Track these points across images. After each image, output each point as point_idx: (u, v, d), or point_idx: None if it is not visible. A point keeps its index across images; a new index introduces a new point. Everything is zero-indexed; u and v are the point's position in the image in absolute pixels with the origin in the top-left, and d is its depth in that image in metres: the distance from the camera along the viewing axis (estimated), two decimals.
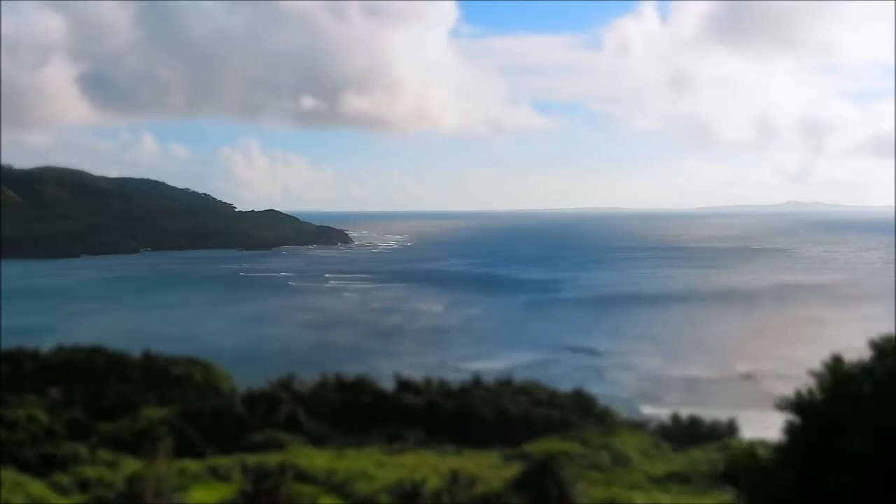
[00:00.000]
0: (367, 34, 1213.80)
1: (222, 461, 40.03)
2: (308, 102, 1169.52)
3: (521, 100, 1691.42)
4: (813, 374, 6.73)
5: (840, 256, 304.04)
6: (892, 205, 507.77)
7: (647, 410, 73.57)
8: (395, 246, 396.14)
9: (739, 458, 6.81)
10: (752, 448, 6.84)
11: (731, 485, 6.84)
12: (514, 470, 33.94)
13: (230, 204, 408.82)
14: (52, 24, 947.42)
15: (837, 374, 6.50)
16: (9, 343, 68.19)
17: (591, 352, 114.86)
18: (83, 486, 35.03)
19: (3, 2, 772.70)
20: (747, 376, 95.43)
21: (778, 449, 6.78)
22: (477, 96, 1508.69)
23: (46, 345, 66.83)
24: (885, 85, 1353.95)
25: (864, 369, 6.48)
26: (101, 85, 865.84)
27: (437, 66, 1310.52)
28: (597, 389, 72.82)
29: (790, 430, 6.80)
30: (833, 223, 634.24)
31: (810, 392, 6.65)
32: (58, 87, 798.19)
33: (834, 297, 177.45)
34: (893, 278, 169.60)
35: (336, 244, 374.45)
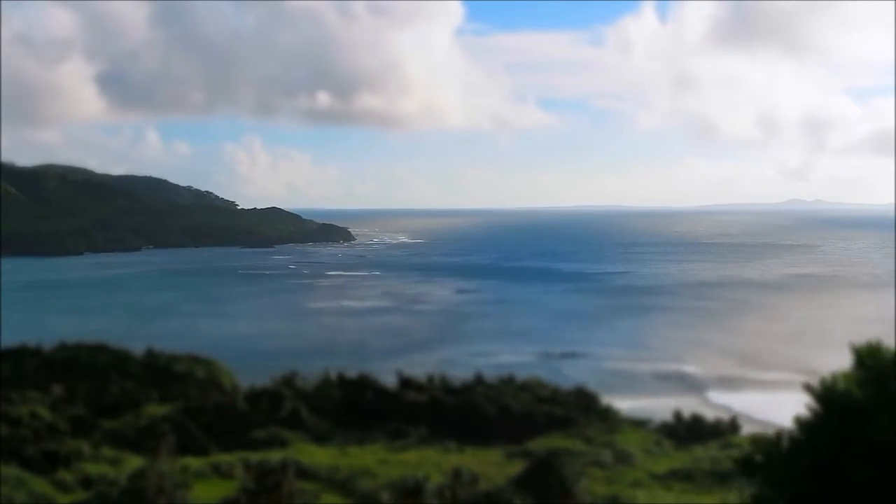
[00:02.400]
0: (374, 33, 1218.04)
1: (225, 458, 40.02)
2: (315, 101, 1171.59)
3: (526, 97, 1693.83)
4: (853, 351, 6.69)
5: (868, 252, 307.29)
6: (893, 202, 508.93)
7: None
8: (409, 242, 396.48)
9: (764, 445, 6.75)
10: (778, 436, 6.80)
11: (749, 474, 6.79)
12: (516, 467, 33.95)
13: (232, 201, 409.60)
14: (63, 23, 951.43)
15: (877, 360, 6.47)
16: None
17: None
18: (86, 483, 35.03)
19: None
20: None
21: (795, 439, 6.75)
22: (482, 93, 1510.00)
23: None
24: (886, 82, 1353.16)
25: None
26: (112, 83, 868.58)
27: (443, 63, 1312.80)
28: None
29: (810, 418, 6.76)
30: (838, 221, 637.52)
31: (835, 379, 6.63)
32: (69, 85, 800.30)
33: (867, 285, 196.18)
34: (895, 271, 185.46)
35: (339, 242, 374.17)
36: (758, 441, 6.81)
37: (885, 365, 6.37)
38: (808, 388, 6.72)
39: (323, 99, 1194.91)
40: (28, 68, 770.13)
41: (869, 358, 6.47)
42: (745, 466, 6.74)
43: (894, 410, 6.08)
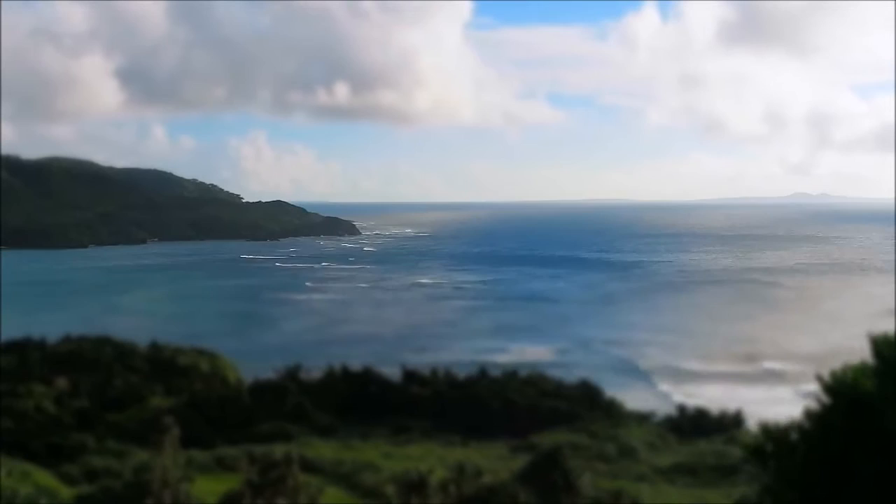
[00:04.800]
0: (383, 30, 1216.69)
1: (229, 451, 40.08)
2: (324, 98, 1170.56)
3: (533, 92, 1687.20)
4: (870, 342, 6.67)
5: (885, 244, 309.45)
6: (893, 197, 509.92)
7: None
8: (433, 234, 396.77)
9: (773, 435, 6.74)
10: (787, 427, 6.80)
11: (758, 463, 6.77)
12: (520, 461, 33.93)
13: (237, 195, 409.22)
14: (79, 18, 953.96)
15: (885, 354, 6.45)
16: None
17: None
18: (91, 476, 35.13)
19: None
20: None
21: (805, 431, 6.73)
22: (491, 89, 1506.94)
23: None
24: (890, 78, 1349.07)
25: None
26: (128, 79, 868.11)
27: (452, 59, 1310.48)
28: None
29: (819, 411, 6.74)
30: (847, 215, 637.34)
31: (846, 371, 6.60)
32: (85, 80, 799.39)
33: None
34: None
35: (343, 235, 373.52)
36: (768, 431, 6.79)
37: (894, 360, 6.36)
38: (819, 379, 6.70)
39: (332, 96, 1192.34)
40: (43, 63, 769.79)
41: (884, 350, 6.46)
42: (756, 456, 6.71)
43: None
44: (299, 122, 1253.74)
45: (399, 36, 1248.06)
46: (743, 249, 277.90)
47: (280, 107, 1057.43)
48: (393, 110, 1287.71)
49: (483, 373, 61.66)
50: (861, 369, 6.46)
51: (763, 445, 6.64)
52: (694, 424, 53.37)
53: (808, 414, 6.65)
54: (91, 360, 60.67)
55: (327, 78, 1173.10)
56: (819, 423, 6.50)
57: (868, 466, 6.01)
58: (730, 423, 53.60)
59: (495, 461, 38.57)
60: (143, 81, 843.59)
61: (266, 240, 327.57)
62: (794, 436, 6.60)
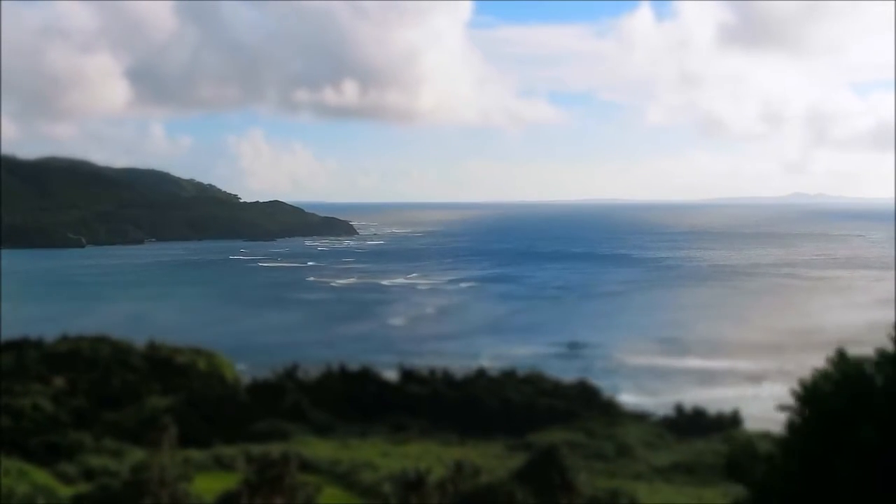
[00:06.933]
0: (383, 29, 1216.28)
1: (227, 450, 40.07)
2: (324, 96, 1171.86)
3: (534, 90, 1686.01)
4: (828, 361, 6.69)
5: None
6: (894, 196, 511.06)
7: None
8: (449, 232, 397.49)
9: (741, 451, 6.79)
10: (750, 441, 6.84)
11: (733, 478, 6.82)
12: (518, 460, 33.94)
13: (234, 194, 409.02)
14: (84, 18, 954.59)
15: (844, 368, 6.46)
16: None
17: None
18: (88, 474, 35.09)
19: None
20: None
21: (783, 441, 6.76)
22: (491, 86, 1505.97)
23: None
24: (887, 76, 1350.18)
25: (876, 361, 6.43)
26: (134, 79, 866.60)
27: (453, 57, 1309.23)
28: None
29: (795, 423, 6.77)
30: (847, 213, 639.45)
31: (817, 383, 6.61)
32: (90, 79, 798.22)
33: None
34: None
35: (341, 235, 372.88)
36: (734, 448, 6.85)
37: (856, 373, 6.37)
38: (794, 393, 6.71)
39: (335, 95, 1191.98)
40: (50, 61, 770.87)
41: (840, 366, 6.48)
42: (733, 471, 6.75)
43: (876, 419, 6.09)
44: (300, 120, 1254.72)
45: (400, 35, 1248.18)
46: (772, 247, 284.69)
47: (285, 106, 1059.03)
48: (393, 109, 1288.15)
49: (481, 372, 61.72)
50: (830, 380, 6.47)
51: (737, 460, 6.68)
52: (691, 423, 53.39)
53: (790, 424, 6.67)
54: (89, 358, 60.62)
55: (330, 77, 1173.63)
56: (797, 433, 6.52)
57: (847, 476, 6.04)
58: (727, 421, 53.62)
59: (493, 460, 38.56)
60: (150, 81, 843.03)
61: (263, 240, 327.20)
62: (766, 446, 6.65)
